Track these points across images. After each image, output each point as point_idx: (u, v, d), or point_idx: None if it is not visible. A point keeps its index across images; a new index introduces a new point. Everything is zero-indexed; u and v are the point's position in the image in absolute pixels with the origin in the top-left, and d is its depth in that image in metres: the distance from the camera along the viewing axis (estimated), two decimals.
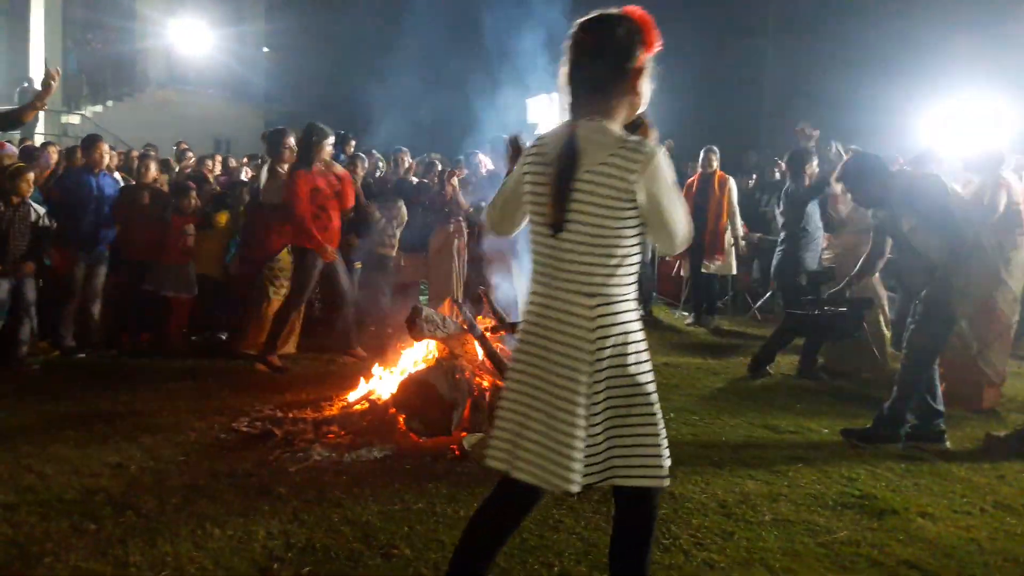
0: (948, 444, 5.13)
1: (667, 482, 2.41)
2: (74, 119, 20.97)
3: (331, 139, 6.78)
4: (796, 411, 6.03)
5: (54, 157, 9.02)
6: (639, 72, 2.40)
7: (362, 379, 5.65)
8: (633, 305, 2.43)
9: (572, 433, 2.32)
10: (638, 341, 2.41)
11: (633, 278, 2.42)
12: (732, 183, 9.47)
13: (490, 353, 5.18)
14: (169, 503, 3.92)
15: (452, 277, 8.10)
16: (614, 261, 2.35)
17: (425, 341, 5.41)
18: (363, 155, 9.05)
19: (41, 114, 8.94)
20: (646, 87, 2.44)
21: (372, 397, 5.36)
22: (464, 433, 4.82)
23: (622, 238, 2.34)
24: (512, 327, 5.69)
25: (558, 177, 2.36)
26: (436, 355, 5.34)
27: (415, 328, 5.22)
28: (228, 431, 5.09)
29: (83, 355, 7.10)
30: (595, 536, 3.66)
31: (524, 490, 2.45)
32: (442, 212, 8.23)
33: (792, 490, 4.31)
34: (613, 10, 2.41)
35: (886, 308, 7.42)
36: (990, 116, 8.13)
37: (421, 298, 8.72)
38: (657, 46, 2.41)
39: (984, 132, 7.68)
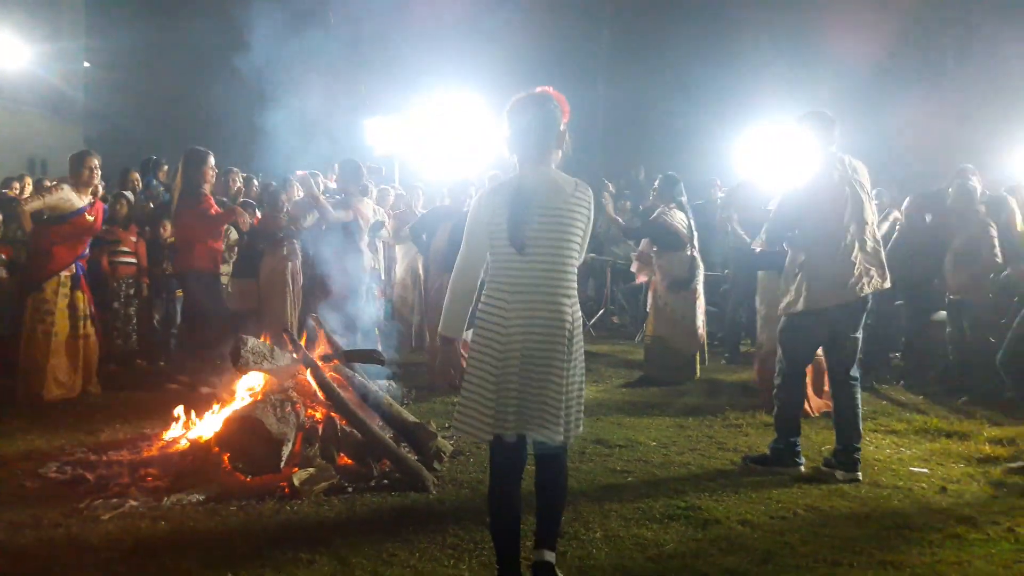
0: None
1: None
2: None
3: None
4: (625, 425, 6.22)
5: None
6: (564, 133, 3.37)
7: (182, 416, 5.34)
8: None
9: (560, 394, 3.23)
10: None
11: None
12: None
13: (322, 383, 5.02)
14: None
15: (286, 304, 7.81)
16: (573, 269, 3.28)
17: (251, 373, 5.18)
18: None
19: None
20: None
21: (193, 437, 5.07)
22: (295, 469, 4.65)
23: (578, 252, 3.30)
24: (346, 355, 5.55)
25: (524, 211, 3.18)
26: (263, 388, 5.12)
27: (240, 360, 5.00)
28: (34, 477, 4.72)
29: None
30: (429, 567, 3.61)
31: (517, 446, 3.28)
32: (273, 235, 7.94)
33: (622, 505, 4.42)
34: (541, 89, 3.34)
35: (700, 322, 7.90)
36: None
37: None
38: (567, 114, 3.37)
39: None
